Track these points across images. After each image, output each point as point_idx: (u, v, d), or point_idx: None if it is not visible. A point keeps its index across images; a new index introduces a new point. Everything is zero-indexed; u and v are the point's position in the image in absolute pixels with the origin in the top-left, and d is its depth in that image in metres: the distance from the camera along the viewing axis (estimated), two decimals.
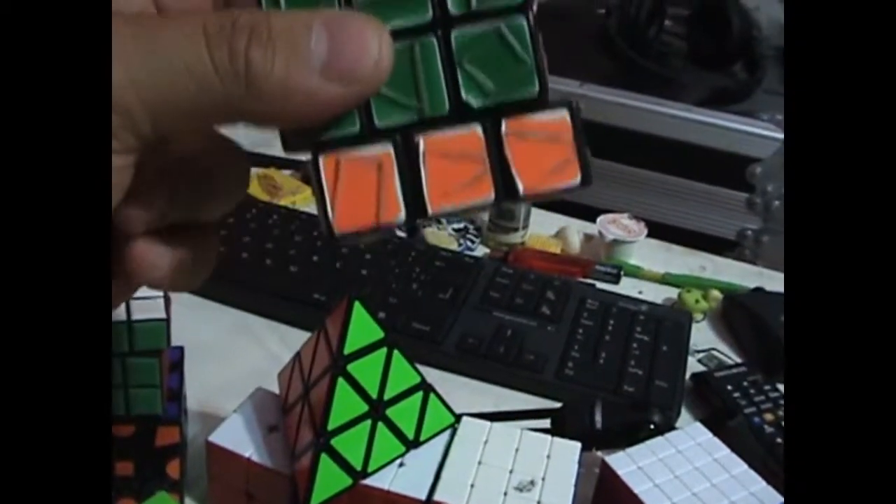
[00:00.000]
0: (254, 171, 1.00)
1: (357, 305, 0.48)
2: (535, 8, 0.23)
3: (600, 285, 0.91)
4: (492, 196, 0.24)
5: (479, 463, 0.51)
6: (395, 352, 0.49)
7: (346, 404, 0.47)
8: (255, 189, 0.98)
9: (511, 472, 0.50)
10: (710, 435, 0.59)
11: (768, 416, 0.72)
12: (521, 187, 0.24)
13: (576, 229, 1.02)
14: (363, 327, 0.48)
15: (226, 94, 0.21)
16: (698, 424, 0.60)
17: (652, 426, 0.63)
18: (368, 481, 0.49)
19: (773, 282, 0.96)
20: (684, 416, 0.74)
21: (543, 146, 0.24)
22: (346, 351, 0.47)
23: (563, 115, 0.24)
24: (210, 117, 0.22)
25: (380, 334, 0.49)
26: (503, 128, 0.24)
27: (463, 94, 0.24)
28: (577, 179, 0.24)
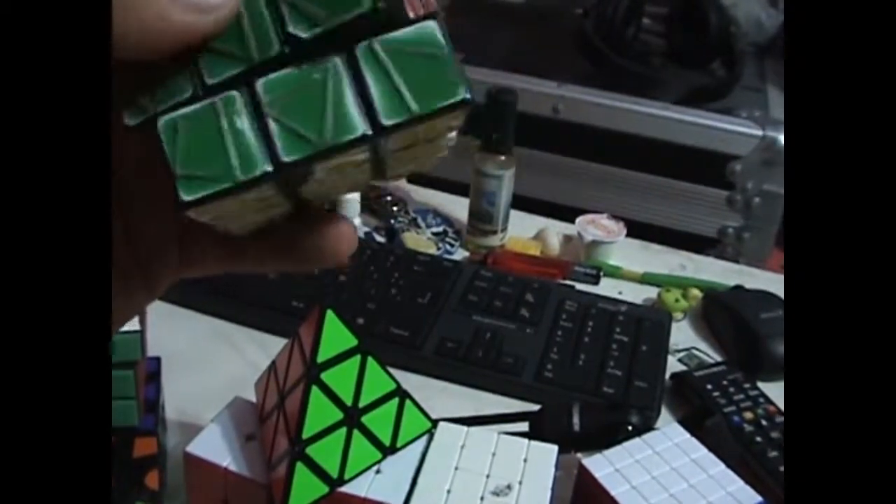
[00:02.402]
0: None
1: (329, 314, 0.48)
2: None
3: (580, 286, 0.92)
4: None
5: (456, 468, 0.51)
6: (370, 359, 0.49)
7: (320, 412, 0.47)
8: None
9: (488, 476, 0.50)
10: (687, 435, 0.59)
11: (748, 415, 0.72)
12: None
13: (555, 231, 1.02)
14: (336, 335, 0.48)
15: None
16: (676, 425, 0.60)
17: (630, 427, 0.63)
18: (345, 489, 0.49)
19: (753, 279, 0.96)
20: (664, 416, 0.74)
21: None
22: (320, 359, 0.47)
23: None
24: None
25: (353, 342, 0.49)
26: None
27: (290, 28, 0.22)
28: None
